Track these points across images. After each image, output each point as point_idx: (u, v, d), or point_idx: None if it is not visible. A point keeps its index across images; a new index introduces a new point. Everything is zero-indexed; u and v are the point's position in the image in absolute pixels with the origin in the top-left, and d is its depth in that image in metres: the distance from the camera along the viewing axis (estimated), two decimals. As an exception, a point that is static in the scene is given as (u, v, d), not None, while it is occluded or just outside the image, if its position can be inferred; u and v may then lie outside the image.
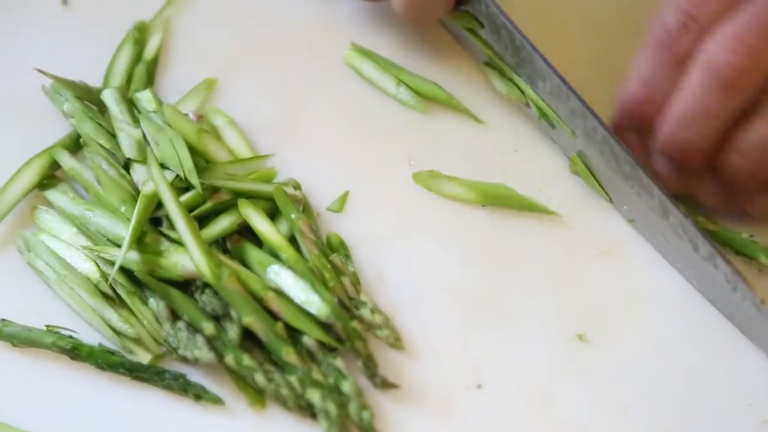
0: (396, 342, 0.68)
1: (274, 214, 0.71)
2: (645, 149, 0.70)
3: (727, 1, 0.66)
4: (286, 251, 0.69)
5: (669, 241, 0.69)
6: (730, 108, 0.65)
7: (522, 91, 0.75)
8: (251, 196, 0.71)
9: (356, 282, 0.69)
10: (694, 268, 0.69)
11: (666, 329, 0.69)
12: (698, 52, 0.65)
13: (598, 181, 0.73)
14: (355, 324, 0.67)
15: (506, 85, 0.76)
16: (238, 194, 0.71)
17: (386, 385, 0.66)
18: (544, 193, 0.74)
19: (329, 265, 0.69)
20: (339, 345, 0.66)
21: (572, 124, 0.72)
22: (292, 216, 0.70)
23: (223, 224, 0.70)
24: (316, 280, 0.67)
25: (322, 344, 0.66)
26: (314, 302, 0.66)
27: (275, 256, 0.69)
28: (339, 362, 0.66)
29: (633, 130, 0.70)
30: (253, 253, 0.69)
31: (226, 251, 0.70)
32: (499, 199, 0.73)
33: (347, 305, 0.68)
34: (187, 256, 0.67)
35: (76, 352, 0.67)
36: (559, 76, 0.71)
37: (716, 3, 0.66)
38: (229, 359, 0.65)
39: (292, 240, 0.70)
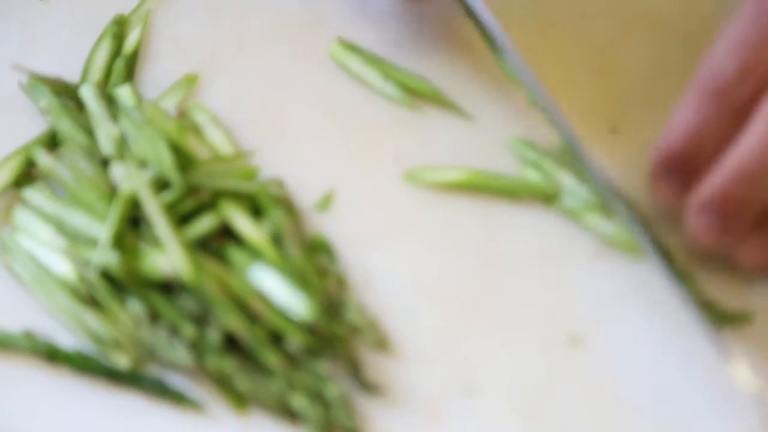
0: (382, 345, 0.67)
1: (257, 213, 0.70)
2: (681, 197, 0.67)
3: None
4: (269, 252, 0.68)
5: None
6: None
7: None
8: (233, 195, 0.70)
9: (341, 283, 0.68)
10: None
11: (663, 333, 0.68)
12: (762, 105, 0.63)
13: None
14: (339, 327, 0.66)
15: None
16: (220, 193, 0.70)
17: (372, 389, 0.65)
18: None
19: (313, 266, 0.67)
20: (323, 348, 0.65)
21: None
22: (275, 215, 0.69)
23: (204, 224, 0.69)
24: (299, 281, 0.66)
25: (306, 348, 0.65)
26: (297, 305, 0.65)
27: (257, 256, 0.67)
28: (323, 366, 0.65)
29: (671, 178, 0.67)
30: (235, 254, 0.68)
31: (207, 252, 0.68)
32: (492, 183, 0.72)
33: (332, 307, 0.67)
34: (167, 258, 0.66)
35: (53, 356, 0.66)
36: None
37: None
38: (210, 363, 0.64)
39: (275, 240, 0.69)
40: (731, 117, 0.65)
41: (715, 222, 0.66)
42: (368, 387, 0.65)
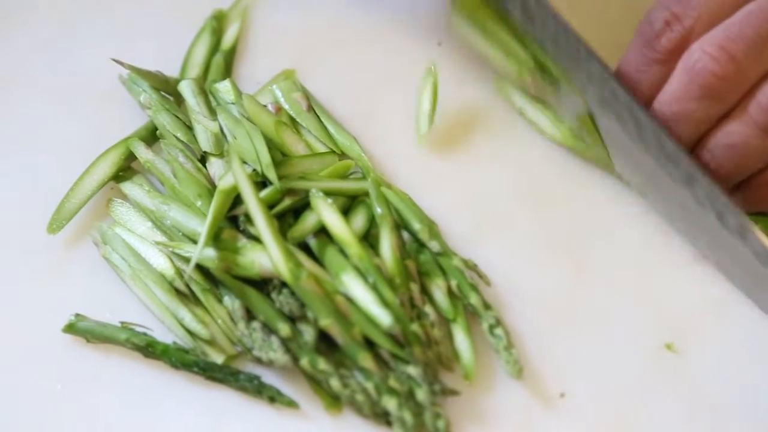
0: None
1: (347, 210, 0.70)
2: None
3: (712, 4, 0.66)
4: (353, 247, 0.67)
5: (689, 211, 0.68)
6: (708, 114, 0.66)
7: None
8: (328, 192, 0.69)
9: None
10: (717, 241, 0.67)
11: (760, 339, 0.67)
12: (683, 55, 0.66)
13: (605, 147, 0.71)
14: (417, 327, 0.65)
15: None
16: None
17: (446, 392, 0.65)
18: (626, 198, 0.72)
19: (402, 270, 0.67)
20: (401, 352, 0.65)
21: (586, 89, 0.70)
22: (379, 211, 0.69)
23: (310, 222, 0.68)
24: (382, 280, 0.65)
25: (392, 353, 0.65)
26: (381, 315, 0.65)
27: (348, 258, 0.67)
28: (412, 369, 0.64)
29: None
30: (329, 256, 0.67)
31: (304, 250, 0.68)
32: None
33: (410, 312, 0.66)
34: (265, 255, 0.66)
35: (150, 349, 0.66)
36: (580, 38, 0.69)
37: (702, 5, 0.66)
38: (305, 362, 0.64)
39: (372, 239, 0.68)
40: (659, 64, 0.67)
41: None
42: (441, 390, 0.64)
